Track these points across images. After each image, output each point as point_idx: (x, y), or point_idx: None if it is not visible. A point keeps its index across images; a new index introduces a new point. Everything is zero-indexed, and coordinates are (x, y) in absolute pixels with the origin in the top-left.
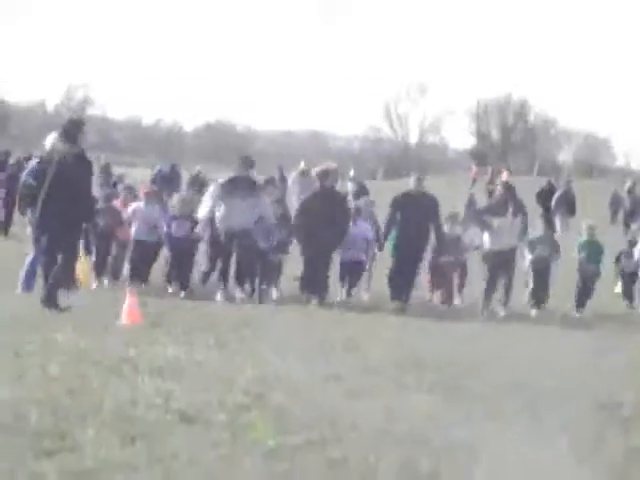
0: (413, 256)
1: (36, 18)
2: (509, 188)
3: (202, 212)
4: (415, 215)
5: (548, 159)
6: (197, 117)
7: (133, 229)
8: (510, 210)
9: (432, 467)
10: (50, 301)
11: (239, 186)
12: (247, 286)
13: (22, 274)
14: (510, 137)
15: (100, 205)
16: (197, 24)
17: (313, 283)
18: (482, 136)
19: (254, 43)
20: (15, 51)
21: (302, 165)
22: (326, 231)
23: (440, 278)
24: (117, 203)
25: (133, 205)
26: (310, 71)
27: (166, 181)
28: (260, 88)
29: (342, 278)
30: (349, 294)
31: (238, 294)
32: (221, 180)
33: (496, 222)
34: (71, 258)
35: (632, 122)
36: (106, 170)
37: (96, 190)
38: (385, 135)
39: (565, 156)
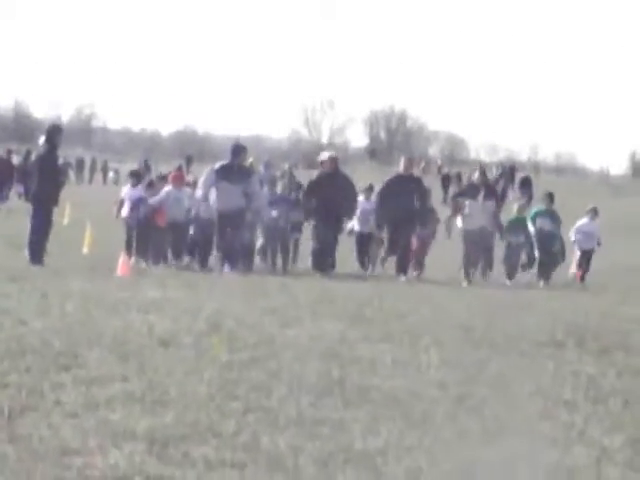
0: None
1: (56, 52)
2: (484, 174)
3: (197, 195)
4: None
5: (422, 154)
6: (170, 125)
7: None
8: (482, 194)
9: (341, 374)
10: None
11: (231, 171)
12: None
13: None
14: (394, 138)
15: (140, 197)
16: (166, 61)
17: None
18: (374, 137)
19: (216, 69)
20: (39, 77)
21: (250, 159)
22: (335, 207)
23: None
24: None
25: (164, 190)
26: (250, 90)
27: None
28: (216, 104)
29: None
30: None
31: (226, 269)
32: (216, 166)
33: (467, 204)
34: (47, 225)
35: (483, 125)
36: (105, 166)
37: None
38: (304, 137)
39: (433, 151)
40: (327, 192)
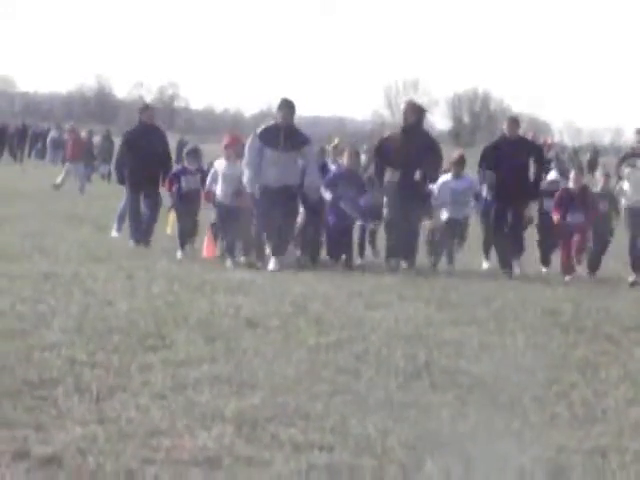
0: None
1: (139, 32)
2: None
3: (245, 174)
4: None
5: None
6: (253, 106)
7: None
8: None
9: (428, 357)
10: (149, 239)
11: (277, 135)
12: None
13: (116, 219)
14: (477, 121)
15: (182, 169)
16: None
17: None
18: (457, 120)
19: (299, 49)
20: (122, 56)
21: (336, 140)
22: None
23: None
24: None
25: (215, 164)
26: (333, 70)
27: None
28: (298, 85)
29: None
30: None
31: (272, 265)
32: (258, 129)
33: (627, 173)
34: (155, 207)
35: (564, 108)
36: (182, 145)
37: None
38: (387, 119)
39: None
40: (403, 154)
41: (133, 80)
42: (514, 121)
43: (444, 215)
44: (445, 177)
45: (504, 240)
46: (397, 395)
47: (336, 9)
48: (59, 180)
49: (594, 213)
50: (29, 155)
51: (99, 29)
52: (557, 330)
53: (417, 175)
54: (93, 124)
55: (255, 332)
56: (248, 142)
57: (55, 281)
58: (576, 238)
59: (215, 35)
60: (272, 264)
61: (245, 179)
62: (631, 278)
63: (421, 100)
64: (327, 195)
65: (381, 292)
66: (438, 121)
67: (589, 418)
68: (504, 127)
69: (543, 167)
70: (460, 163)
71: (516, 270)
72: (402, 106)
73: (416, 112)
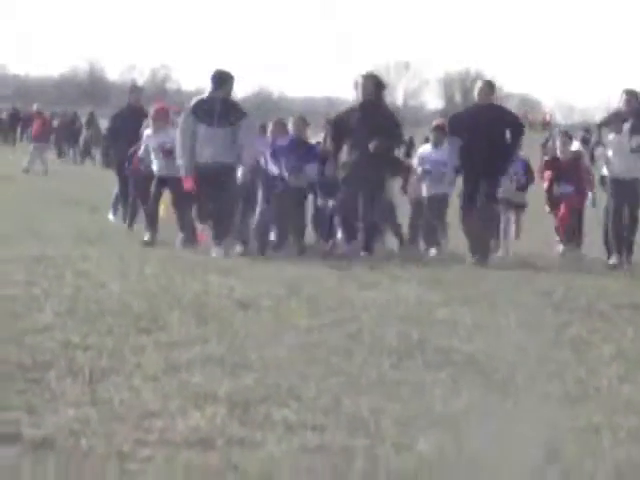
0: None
1: (131, 14)
2: (635, 96)
3: (179, 158)
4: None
5: None
6: (245, 88)
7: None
8: (629, 124)
9: (421, 337)
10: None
11: (212, 110)
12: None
13: (111, 203)
14: (469, 100)
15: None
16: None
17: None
18: (449, 99)
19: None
20: (115, 42)
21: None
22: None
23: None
24: None
25: (144, 136)
26: (325, 53)
27: None
28: (290, 63)
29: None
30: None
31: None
32: (192, 102)
33: (610, 140)
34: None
35: (556, 87)
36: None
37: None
38: None
39: None
40: (360, 131)
41: (125, 63)
42: (487, 85)
43: (424, 192)
44: (425, 147)
45: (473, 222)
46: (390, 374)
47: (337, 10)
48: (25, 163)
49: (587, 184)
50: (20, 139)
51: (91, 12)
52: (550, 309)
53: (372, 146)
54: (85, 107)
55: (247, 313)
56: (180, 121)
57: (47, 263)
58: (563, 210)
59: (206, 17)
60: (215, 251)
61: (179, 162)
62: (612, 260)
63: (413, 80)
64: (273, 169)
65: (373, 273)
66: (430, 101)
67: (582, 396)
68: (475, 92)
69: (519, 140)
70: (439, 129)
71: (490, 258)
72: (359, 80)
73: (375, 86)
